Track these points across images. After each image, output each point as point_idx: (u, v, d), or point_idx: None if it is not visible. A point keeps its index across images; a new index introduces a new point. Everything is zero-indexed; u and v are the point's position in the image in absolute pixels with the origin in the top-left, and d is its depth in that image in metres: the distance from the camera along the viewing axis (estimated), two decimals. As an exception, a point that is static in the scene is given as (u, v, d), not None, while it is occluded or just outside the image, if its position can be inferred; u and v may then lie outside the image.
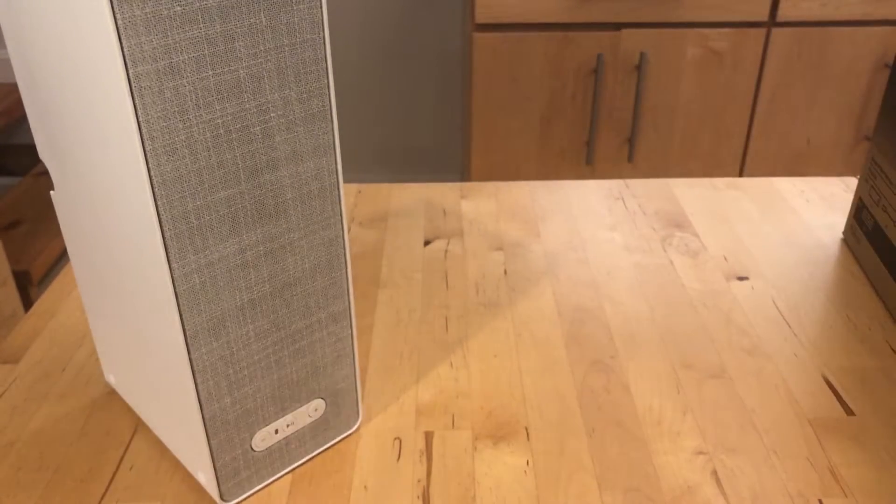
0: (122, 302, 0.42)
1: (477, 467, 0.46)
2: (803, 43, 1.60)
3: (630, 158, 1.72)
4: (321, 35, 0.36)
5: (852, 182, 0.80)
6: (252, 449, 0.43)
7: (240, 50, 0.34)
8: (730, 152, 1.73)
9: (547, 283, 0.64)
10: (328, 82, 0.38)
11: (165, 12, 0.31)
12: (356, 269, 0.66)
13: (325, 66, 0.37)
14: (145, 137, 0.32)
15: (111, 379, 0.52)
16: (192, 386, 0.39)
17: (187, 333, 0.37)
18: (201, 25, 0.32)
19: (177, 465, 0.46)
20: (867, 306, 0.61)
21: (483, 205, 0.76)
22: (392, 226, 0.73)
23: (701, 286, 0.63)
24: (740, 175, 1.76)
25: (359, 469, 0.46)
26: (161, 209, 0.34)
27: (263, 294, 0.40)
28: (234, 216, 0.37)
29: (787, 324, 0.59)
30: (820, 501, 0.44)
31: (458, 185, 0.80)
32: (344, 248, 0.42)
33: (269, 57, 0.35)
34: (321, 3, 0.36)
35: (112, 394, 0.52)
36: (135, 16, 0.30)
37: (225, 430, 0.41)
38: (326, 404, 0.46)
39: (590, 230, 0.72)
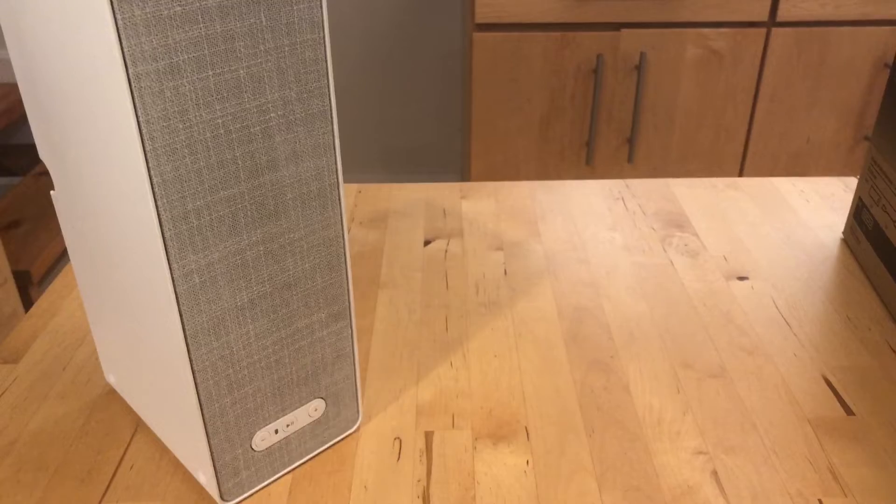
0: (123, 302, 0.42)
1: (477, 467, 0.46)
2: (803, 43, 1.60)
3: (630, 158, 1.72)
4: (321, 35, 0.36)
5: (852, 182, 0.81)
6: (252, 449, 0.43)
7: (240, 50, 0.34)
8: (730, 152, 1.73)
9: (547, 283, 0.64)
10: (328, 82, 0.38)
11: (165, 12, 0.31)
12: (356, 269, 0.66)
13: (325, 66, 0.37)
14: (145, 137, 0.32)
15: (111, 379, 0.52)
16: (192, 386, 0.39)
17: (187, 333, 0.37)
18: (201, 25, 0.32)
19: (177, 465, 0.47)
20: (867, 306, 0.61)
21: (483, 205, 0.76)
22: (392, 226, 0.73)
23: (701, 286, 0.63)
24: (740, 175, 1.76)
25: (359, 469, 0.46)
26: (161, 209, 0.34)
27: (263, 294, 0.40)
28: (234, 216, 0.37)
29: (787, 324, 0.59)
30: (820, 501, 0.44)
31: (458, 185, 0.80)
32: (344, 248, 0.42)
33: (269, 57, 0.35)
34: (321, 3, 0.36)
35: (112, 394, 0.52)
36: (135, 16, 0.30)
37: (225, 430, 0.41)
38: (326, 404, 0.46)
39: (590, 230, 0.72)
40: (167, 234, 0.35)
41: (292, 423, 0.44)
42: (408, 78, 2.19)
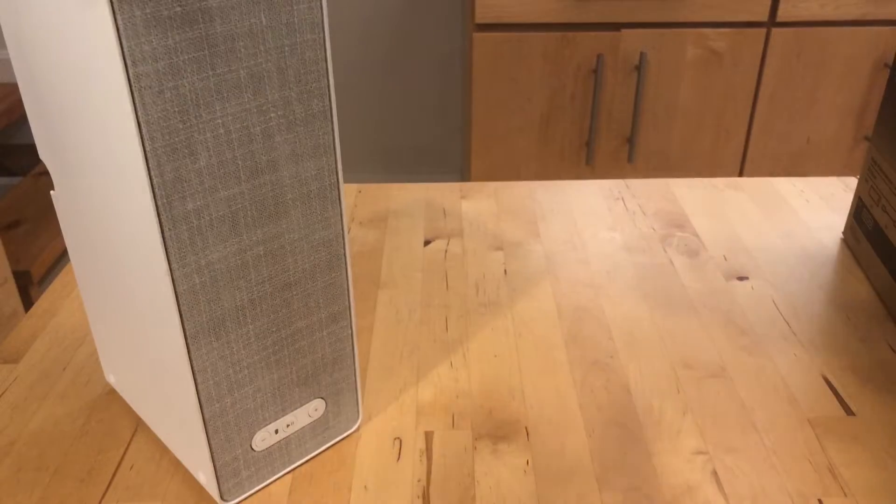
0: (123, 302, 0.42)
1: (477, 467, 0.46)
2: (803, 43, 1.60)
3: (630, 158, 1.72)
4: (321, 35, 0.36)
5: (852, 182, 0.81)
6: (252, 449, 0.43)
7: (240, 50, 0.34)
8: (730, 152, 1.73)
9: (547, 283, 0.64)
10: (328, 82, 0.38)
11: (166, 13, 0.31)
12: (356, 269, 0.66)
13: (325, 66, 0.37)
14: (145, 138, 0.33)
15: (111, 379, 0.52)
16: (192, 386, 0.39)
17: (187, 333, 0.37)
18: (201, 26, 0.32)
19: (177, 465, 0.47)
20: (867, 306, 0.61)
21: (483, 205, 0.76)
22: (392, 226, 0.73)
23: (701, 286, 0.63)
24: (740, 175, 1.76)
25: (359, 469, 0.46)
26: (161, 209, 0.34)
27: (263, 294, 0.40)
28: (234, 216, 0.37)
29: (787, 324, 0.59)
30: (820, 501, 0.44)
31: (458, 185, 0.80)
32: (344, 248, 0.42)
33: (269, 57, 0.35)
34: (321, 4, 0.36)
35: (112, 394, 0.52)
36: (135, 16, 0.30)
37: (225, 430, 0.41)
38: (326, 404, 0.46)
39: (590, 230, 0.72)
40: (167, 234, 0.35)
41: (292, 423, 0.44)
42: (408, 78, 2.19)
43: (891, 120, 0.61)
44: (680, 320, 0.59)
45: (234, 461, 0.42)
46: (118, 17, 0.30)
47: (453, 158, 2.34)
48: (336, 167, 0.40)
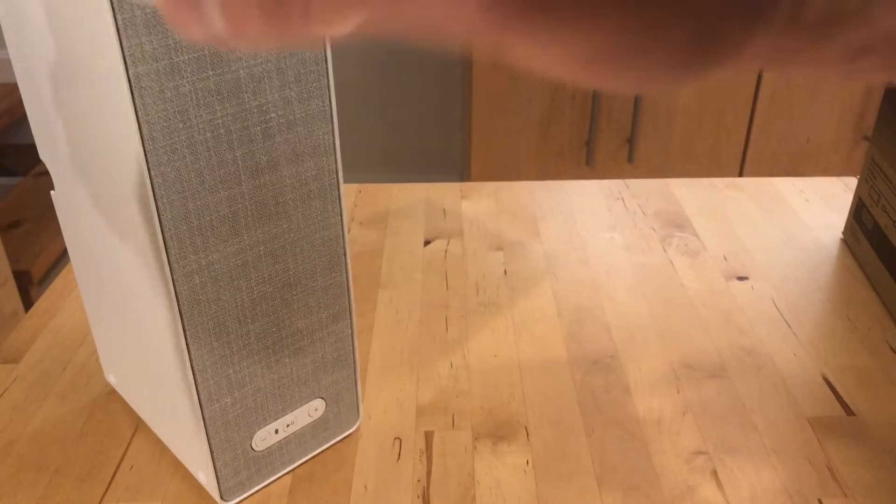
0: (123, 301, 0.42)
1: (477, 467, 0.46)
2: (803, 43, 1.60)
3: (630, 159, 1.72)
4: (321, 35, 0.36)
5: (852, 182, 0.81)
6: (252, 449, 0.43)
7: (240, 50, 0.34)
8: (730, 152, 1.73)
9: (547, 283, 0.64)
10: (328, 82, 0.38)
11: (166, 12, 0.31)
12: (356, 269, 0.66)
13: (325, 66, 0.37)
14: (146, 138, 0.33)
15: (111, 379, 0.52)
16: (193, 386, 0.39)
17: (187, 333, 0.37)
18: (201, 25, 0.32)
19: (177, 465, 0.47)
20: (867, 306, 0.61)
21: (483, 205, 0.76)
22: (392, 226, 0.73)
23: (700, 286, 0.63)
24: (740, 175, 1.76)
25: (359, 469, 0.46)
26: (161, 209, 0.34)
27: (264, 294, 0.40)
28: (235, 216, 0.37)
29: (787, 324, 0.59)
30: (819, 501, 0.44)
31: (458, 185, 0.80)
32: (344, 248, 0.42)
33: (269, 57, 0.35)
34: (321, 4, 0.36)
35: (112, 394, 0.52)
36: (135, 16, 0.30)
37: (225, 430, 0.41)
38: (326, 404, 0.46)
39: (590, 230, 0.72)
40: (167, 234, 0.35)
41: (292, 423, 0.44)
42: (408, 78, 2.19)
43: (891, 120, 0.61)
44: (680, 320, 0.59)
45: (234, 461, 0.42)
46: (118, 16, 0.30)
47: (453, 158, 2.33)
48: (336, 167, 0.40)
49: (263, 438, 0.43)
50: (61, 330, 0.59)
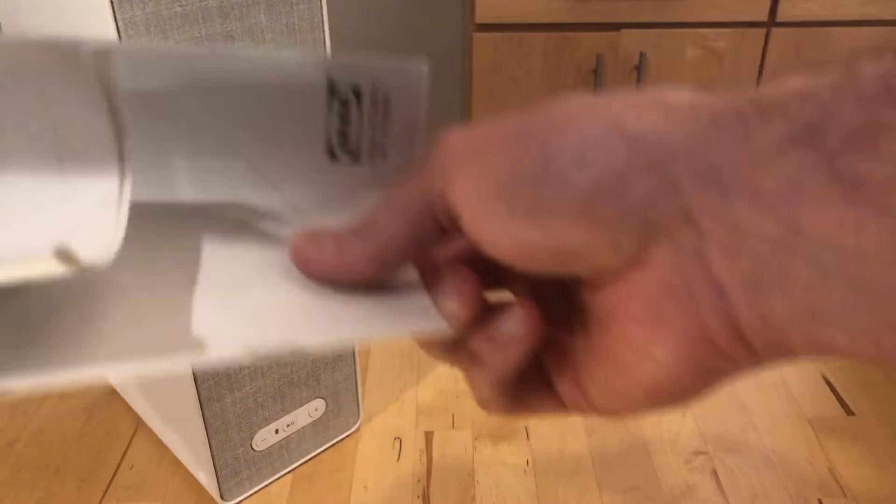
0: (123, 302, 0.42)
1: (477, 467, 0.46)
2: (803, 43, 1.60)
3: (630, 158, 1.72)
4: (321, 35, 0.36)
5: (852, 182, 0.81)
6: (252, 448, 0.43)
7: (240, 50, 0.34)
8: (730, 152, 1.73)
9: (547, 283, 0.64)
10: (328, 82, 0.38)
11: (166, 13, 0.31)
12: (356, 269, 0.66)
13: (325, 66, 0.37)
14: (146, 137, 0.32)
15: (112, 378, 0.52)
16: (193, 386, 0.39)
17: (187, 333, 0.37)
18: (201, 25, 0.32)
19: (177, 465, 0.47)
20: (867, 306, 0.61)
21: (483, 205, 0.76)
22: (392, 226, 0.73)
23: (701, 286, 0.63)
24: (740, 175, 1.76)
25: (359, 469, 0.46)
26: (161, 209, 0.34)
27: (263, 294, 0.40)
28: (235, 216, 0.37)
29: (787, 324, 0.59)
30: (819, 501, 0.44)
31: (457, 185, 0.80)
32: (344, 248, 0.42)
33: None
34: (321, 4, 0.36)
35: (112, 394, 0.52)
36: (135, 16, 0.30)
37: (225, 430, 0.41)
38: (326, 404, 0.46)
39: (590, 230, 0.72)
40: (167, 235, 0.35)
41: (293, 422, 0.44)
42: (408, 78, 2.19)
43: (891, 120, 0.61)
44: (680, 320, 0.59)
45: (234, 461, 0.42)
46: (118, 16, 0.30)
47: (453, 158, 2.33)
48: (336, 167, 0.40)
49: (264, 438, 0.43)
50: (61, 330, 0.59)
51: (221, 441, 0.41)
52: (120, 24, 0.30)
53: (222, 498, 0.43)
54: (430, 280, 0.21)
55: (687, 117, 0.16)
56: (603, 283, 0.18)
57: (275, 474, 0.45)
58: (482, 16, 1.61)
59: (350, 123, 0.20)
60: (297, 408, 0.44)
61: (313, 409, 0.45)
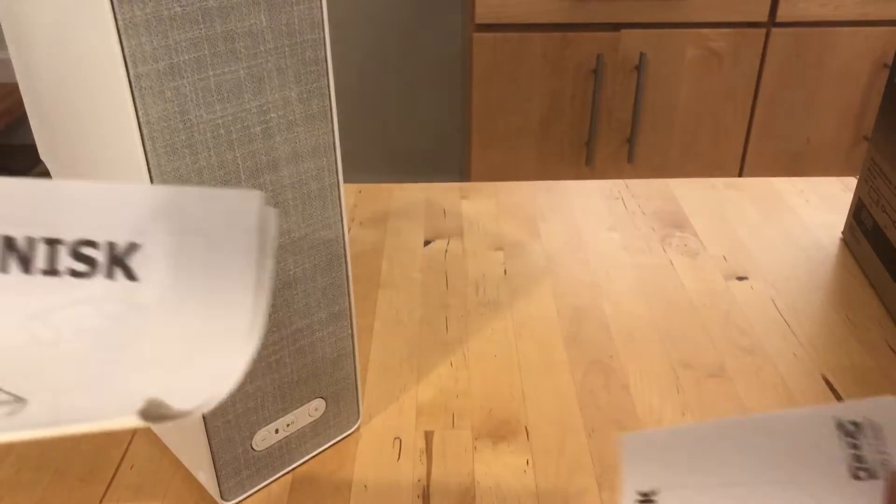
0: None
1: (477, 467, 0.46)
2: (802, 43, 1.60)
3: (630, 159, 1.72)
4: (321, 35, 0.36)
5: (851, 182, 0.81)
6: (252, 448, 0.43)
7: (240, 50, 0.34)
8: (729, 152, 1.73)
9: (547, 283, 0.64)
10: (328, 82, 0.38)
11: (166, 13, 0.31)
12: (356, 269, 0.66)
13: (325, 66, 0.37)
14: (146, 138, 0.33)
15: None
16: (193, 386, 0.39)
17: (187, 333, 0.37)
18: (202, 26, 0.32)
19: (177, 465, 0.47)
20: (867, 306, 0.61)
21: (483, 205, 0.76)
22: (392, 226, 0.73)
23: (700, 286, 0.63)
24: (740, 175, 1.76)
25: (359, 469, 0.46)
26: (161, 209, 0.34)
27: (263, 294, 0.40)
28: (235, 216, 0.37)
29: (787, 323, 0.59)
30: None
31: (458, 185, 0.80)
32: (344, 248, 0.42)
33: (269, 57, 0.35)
34: (321, 4, 0.36)
35: (112, 394, 0.52)
36: (135, 16, 0.30)
37: (225, 429, 0.41)
38: (326, 404, 0.46)
39: (590, 230, 0.72)
40: (167, 234, 0.35)
41: (293, 422, 0.44)
42: (408, 78, 2.19)
43: (891, 120, 0.61)
44: (680, 320, 0.59)
45: (234, 461, 0.42)
46: (118, 16, 0.30)
47: (453, 159, 2.34)
48: (336, 167, 0.40)
49: (263, 438, 0.43)
50: (61, 330, 0.59)
51: (221, 441, 0.41)
52: (120, 24, 0.30)
53: (222, 498, 0.43)
54: None
55: None
56: None
57: (275, 474, 0.45)
58: (482, 16, 1.61)
59: (861, 448, 0.23)
60: (297, 407, 0.44)
61: (313, 408, 0.45)
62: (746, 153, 1.73)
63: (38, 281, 0.21)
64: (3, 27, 0.40)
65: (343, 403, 0.47)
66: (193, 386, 0.18)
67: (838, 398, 0.51)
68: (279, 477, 0.46)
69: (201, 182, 0.35)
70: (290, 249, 0.40)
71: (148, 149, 0.33)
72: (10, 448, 0.48)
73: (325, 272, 0.42)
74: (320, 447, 0.47)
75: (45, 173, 2.16)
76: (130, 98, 0.31)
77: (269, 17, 0.34)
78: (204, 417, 0.40)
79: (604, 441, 0.48)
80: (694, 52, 1.60)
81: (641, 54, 1.59)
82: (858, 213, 0.66)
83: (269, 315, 0.40)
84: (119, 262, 0.21)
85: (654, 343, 0.57)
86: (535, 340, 0.57)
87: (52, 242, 0.21)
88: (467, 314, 0.60)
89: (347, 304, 0.44)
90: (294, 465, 0.46)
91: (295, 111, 0.37)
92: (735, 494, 0.22)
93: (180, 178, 0.34)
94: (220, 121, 0.34)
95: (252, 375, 0.41)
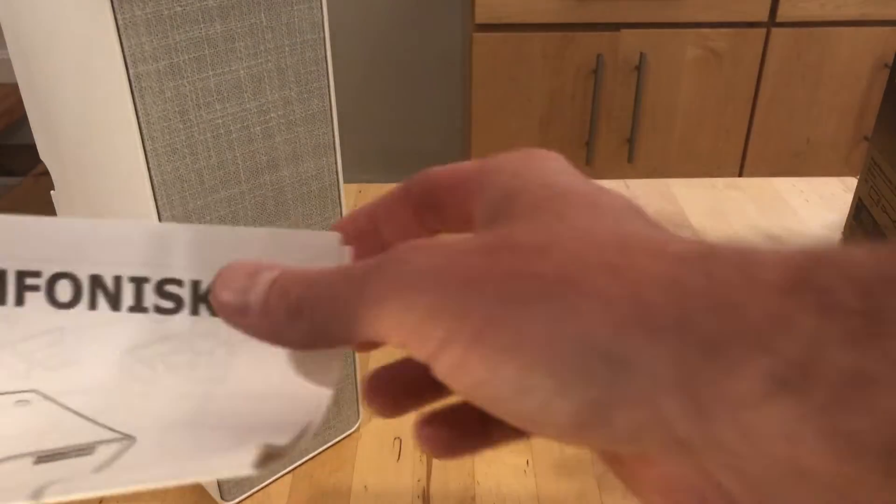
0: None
1: (477, 467, 0.46)
2: (803, 43, 1.60)
3: (630, 158, 1.72)
4: (321, 35, 0.36)
5: (852, 182, 0.81)
6: (252, 449, 0.43)
7: (240, 50, 0.34)
8: (730, 152, 1.73)
9: (547, 283, 0.64)
10: (328, 82, 0.38)
11: (166, 12, 0.31)
12: (356, 269, 0.66)
13: (325, 66, 0.37)
14: (146, 137, 0.33)
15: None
16: (193, 386, 0.39)
17: (187, 333, 0.37)
18: (202, 25, 0.32)
19: (177, 465, 0.47)
20: (867, 306, 0.61)
21: (483, 205, 0.76)
22: (392, 226, 0.73)
23: (701, 286, 0.63)
24: (740, 175, 1.76)
25: (359, 469, 0.46)
26: (161, 209, 0.34)
27: (263, 294, 0.40)
28: (235, 216, 0.37)
29: (787, 324, 0.59)
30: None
31: (458, 185, 0.80)
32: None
33: (269, 57, 0.35)
34: (321, 3, 0.36)
35: (112, 394, 0.52)
36: (135, 16, 0.30)
37: (225, 429, 0.41)
38: (326, 404, 0.46)
39: (590, 230, 0.72)
40: (167, 234, 0.35)
41: (292, 423, 0.44)
42: (408, 78, 2.19)
43: (891, 120, 0.61)
44: (680, 320, 0.59)
45: (234, 461, 0.42)
46: (118, 16, 0.30)
47: (453, 159, 2.33)
48: (336, 167, 0.40)
49: (263, 438, 0.43)
50: (61, 330, 0.59)
51: (221, 441, 0.41)
52: (120, 23, 0.30)
53: (222, 498, 0.43)
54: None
55: (671, 347, 0.15)
56: None
57: (275, 474, 0.45)
58: (482, 16, 1.61)
59: None
60: (297, 408, 0.44)
61: (313, 409, 0.45)
62: (746, 153, 1.73)
63: (126, 317, 0.22)
64: (2, 27, 0.40)
65: (343, 404, 0.47)
66: (290, 416, 0.19)
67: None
68: (279, 477, 0.46)
69: (201, 182, 0.35)
70: (290, 249, 0.40)
71: (148, 149, 0.33)
72: (9, 448, 0.48)
73: (325, 272, 0.42)
74: (320, 447, 0.47)
75: (45, 173, 2.16)
76: (130, 98, 0.31)
77: (269, 16, 0.34)
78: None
79: (604, 441, 0.48)
80: (694, 52, 1.60)
81: (641, 54, 1.59)
82: (858, 213, 0.66)
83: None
84: (203, 299, 0.22)
85: (654, 343, 0.57)
86: (536, 340, 0.57)
87: (138, 280, 0.22)
88: (467, 314, 0.60)
89: (347, 304, 0.44)
90: (294, 466, 0.46)
91: (295, 111, 0.37)
92: None
93: (180, 178, 0.34)
94: (220, 121, 0.34)
95: (252, 375, 0.41)
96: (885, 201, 0.61)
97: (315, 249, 0.22)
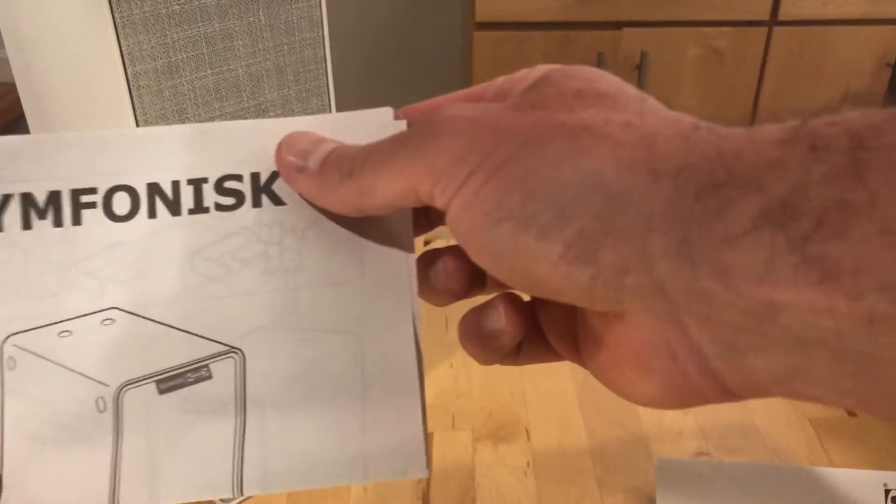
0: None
1: (477, 468, 0.46)
2: (804, 42, 1.60)
3: (631, 158, 1.72)
4: (320, 33, 0.36)
5: (854, 181, 0.80)
6: (251, 450, 0.43)
7: (238, 49, 0.34)
8: (731, 151, 1.73)
9: (547, 282, 0.64)
10: (327, 81, 0.38)
11: (164, 11, 0.31)
12: (356, 269, 0.66)
13: (324, 65, 0.37)
14: (143, 137, 0.32)
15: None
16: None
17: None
18: (200, 24, 0.32)
19: (176, 466, 0.46)
20: (869, 306, 0.60)
21: (483, 204, 0.76)
22: (392, 225, 0.73)
23: (702, 286, 0.63)
24: (741, 174, 1.75)
25: (358, 470, 0.46)
26: (159, 209, 0.34)
27: (262, 294, 0.39)
28: (233, 216, 0.37)
29: (789, 324, 0.58)
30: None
31: (458, 184, 0.80)
32: (343, 248, 0.42)
33: (267, 56, 0.35)
34: (320, 2, 0.36)
35: (111, 394, 0.52)
36: (133, 14, 0.30)
37: (224, 430, 0.41)
38: (326, 405, 0.46)
39: (590, 230, 0.72)
40: (165, 234, 0.35)
41: (292, 423, 0.44)
42: (408, 77, 2.19)
43: (893, 119, 0.61)
44: (681, 320, 0.59)
45: (233, 462, 0.42)
46: (116, 15, 0.30)
47: (454, 158, 2.33)
48: (335, 167, 0.40)
49: (262, 439, 0.43)
50: (60, 330, 0.59)
51: (220, 442, 0.41)
52: (118, 22, 0.30)
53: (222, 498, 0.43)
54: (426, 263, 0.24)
55: (670, 186, 0.15)
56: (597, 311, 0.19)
57: (274, 475, 0.45)
58: (482, 14, 1.61)
59: None
60: (296, 408, 0.44)
61: (313, 409, 0.45)
62: (747, 152, 1.73)
63: (187, 220, 0.21)
64: (2, 27, 0.40)
65: (343, 404, 0.47)
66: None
67: (840, 399, 0.51)
68: (278, 478, 0.45)
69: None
70: (290, 249, 0.40)
71: (146, 148, 0.33)
72: (8, 448, 0.48)
73: (325, 272, 0.42)
74: (320, 448, 0.47)
75: (46, 172, 2.15)
76: (128, 96, 0.31)
77: (267, 15, 0.34)
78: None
79: (604, 442, 0.48)
80: (695, 50, 1.60)
81: (643, 53, 1.59)
82: (860, 213, 0.66)
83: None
84: (265, 189, 0.22)
85: (655, 343, 0.56)
86: (536, 340, 0.57)
87: (197, 182, 0.22)
88: (468, 314, 0.60)
89: (347, 304, 0.44)
90: (293, 466, 0.46)
91: (294, 110, 0.37)
92: None
93: (178, 178, 0.34)
94: (218, 119, 0.34)
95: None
96: (887, 201, 0.61)
97: (371, 125, 0.23)
